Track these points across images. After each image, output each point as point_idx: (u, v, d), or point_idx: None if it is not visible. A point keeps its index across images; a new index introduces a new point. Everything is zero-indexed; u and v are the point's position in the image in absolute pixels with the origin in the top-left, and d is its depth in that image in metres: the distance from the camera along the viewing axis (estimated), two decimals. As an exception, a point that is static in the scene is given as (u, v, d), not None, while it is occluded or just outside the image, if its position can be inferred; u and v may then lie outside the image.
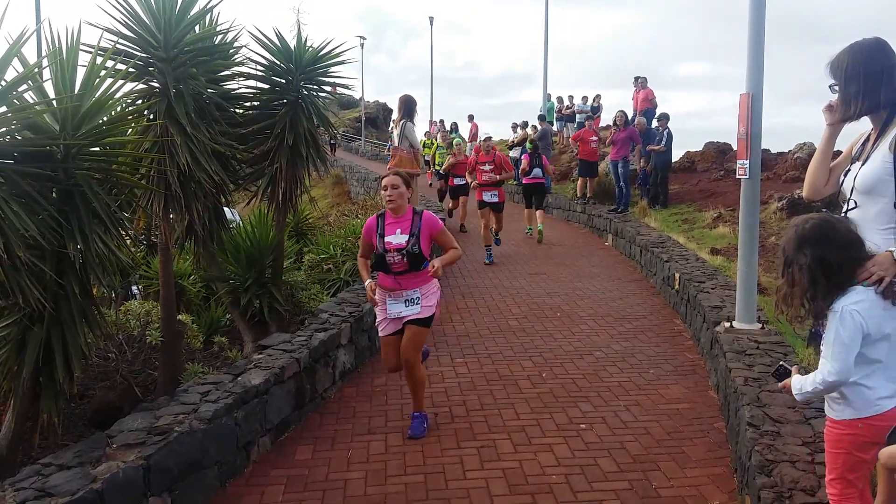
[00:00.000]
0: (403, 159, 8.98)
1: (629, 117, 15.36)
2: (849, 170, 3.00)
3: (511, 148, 19.75)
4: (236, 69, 5.93)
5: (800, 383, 2.69)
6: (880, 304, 2.55)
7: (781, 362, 2.89)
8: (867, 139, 2.99)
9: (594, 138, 15.88)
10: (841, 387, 2.57)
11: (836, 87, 2.94)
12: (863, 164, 2.87)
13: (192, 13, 5.17)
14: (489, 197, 11.16)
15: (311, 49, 6.19)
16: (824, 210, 3.04)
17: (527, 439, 4.79)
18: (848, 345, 2.51)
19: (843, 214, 2.92)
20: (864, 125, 3.02)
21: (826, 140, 3.06)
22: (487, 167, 11.14)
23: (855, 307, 2.52)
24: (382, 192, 4.76)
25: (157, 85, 5.08)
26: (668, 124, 14.47)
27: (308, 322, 6.11)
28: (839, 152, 3.18)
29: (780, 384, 2.86)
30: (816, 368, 2.64)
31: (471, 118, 26.42)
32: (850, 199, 2.91)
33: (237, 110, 6.18)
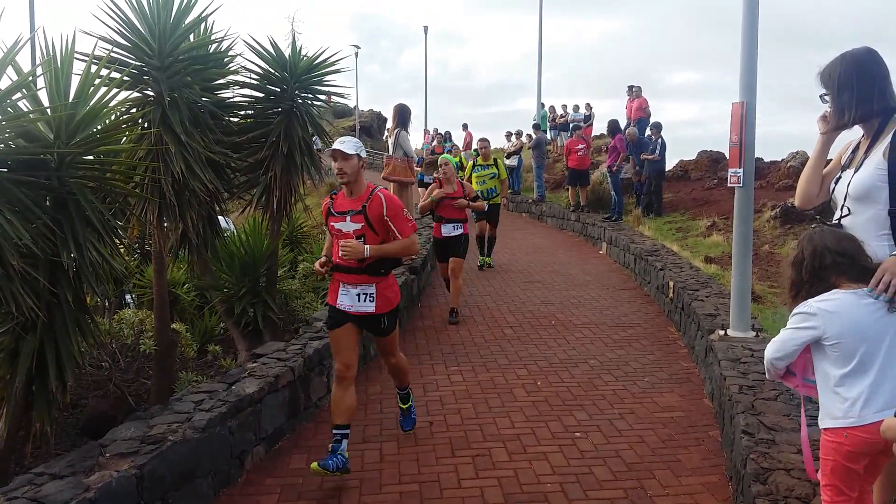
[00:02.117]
0: (397, 168, 8.99)
1: (615, 126, 15.46)
2: (840, 177, 3.02)
3: (508, 157, 19.81)
4: (231, 78, 5.95)
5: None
6: (863, 309, 2.56)
7: None
8: (857, 147, 3.03)
9: (580, 146, 15.93)
10: (773, 366, 2.76)
11: (827, 97, 2.97)
12: (855, 172, 2.90)
13: (186, 22, 5.19)
14: (344, 302, 4.42)
15: (305, 58, 6.21)
16: (818, 218, 3.07)
17: (522, 448, 4.78)
18: (791, 331, 2.66)
19: (836, 221, 2.95)
20: (854, 134, 3.05)
21: (819, 149, 3.09)
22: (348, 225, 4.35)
23: (818, 305, 2.60)
24: None
25: (151, 93, 5.09)
26: (662, 133, 14.54)
27: (302, 330, 6.09)
28: (829, 161, 3.21)
29: None
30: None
31: (465, 127, 26.49)
32: (843, 205, 2.94)
33: (232, 119, 6.20)
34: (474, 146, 13.95)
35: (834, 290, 2.62)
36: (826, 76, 2.95)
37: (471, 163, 12.00)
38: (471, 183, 10.39)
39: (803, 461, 2.96)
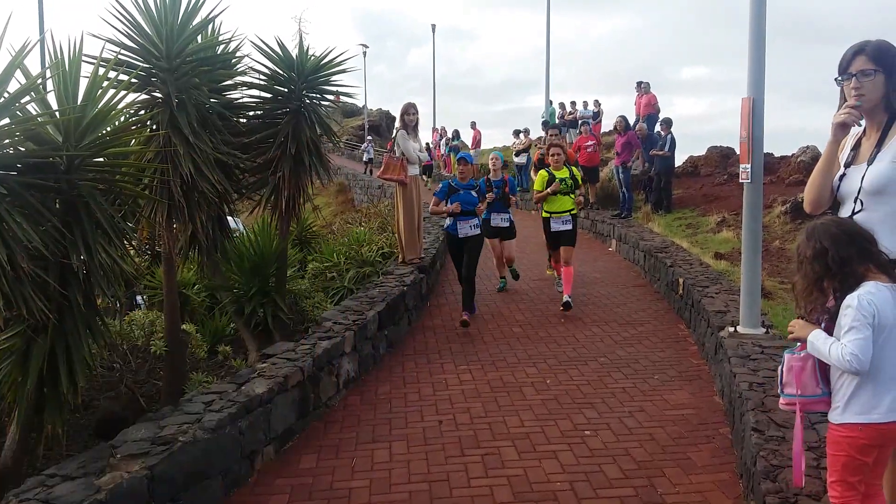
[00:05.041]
0: (390, 165, 8.99)
1: (628, 122, 15.40)
2: (844, 174, 2.94)
3: (518, 155, 19.81)
4: (238, 79, 5.97)
5: (819, 342, 2.60)
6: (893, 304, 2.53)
7: None
8: (857, 143, 2.96)
9: (590, 143, 15.89)
10: (859, 373, 2.51)
11: (869, 75, 2.78)
12: (869, 165, 2.83)
13: (194, 23, 5.20)
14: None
15: (312, 58, 6.22)
16: (829, 212, 3.01)
17: (531, 446, 4.77)
18: (863, 329, 2.48)
19: (849, 217, 2.88)
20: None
21: (829, 155, 2.96)
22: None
23: (870, 296, 2.52)
24: None
25: (159, 95, 5.11)
26: (671, 129, 14.49)
27: (312, 330, 6.10)
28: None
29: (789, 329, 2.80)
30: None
31: (473, 125, 26.46)
32: (857, 199, 2.85)
33: (240, 119, 6.21)
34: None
35: (870, 283, 2.54)
36: (877, 51, 2.76)
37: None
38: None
39: (793, 469, 2.85)
